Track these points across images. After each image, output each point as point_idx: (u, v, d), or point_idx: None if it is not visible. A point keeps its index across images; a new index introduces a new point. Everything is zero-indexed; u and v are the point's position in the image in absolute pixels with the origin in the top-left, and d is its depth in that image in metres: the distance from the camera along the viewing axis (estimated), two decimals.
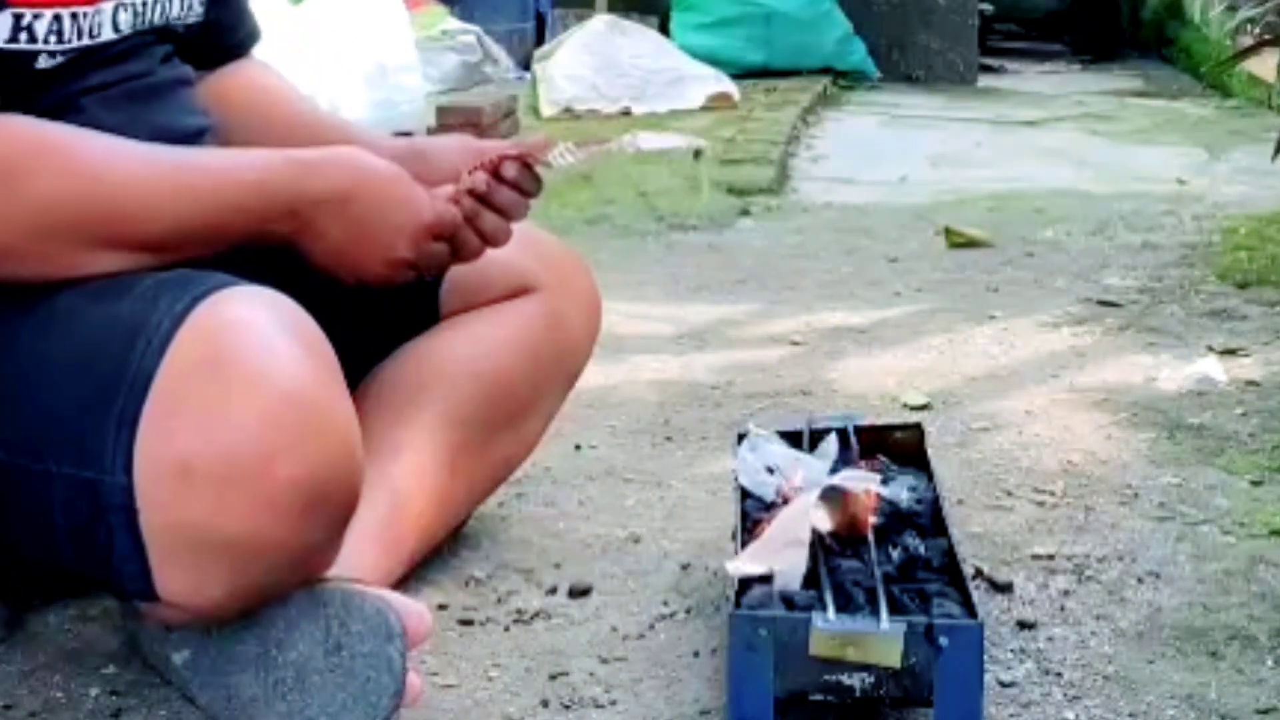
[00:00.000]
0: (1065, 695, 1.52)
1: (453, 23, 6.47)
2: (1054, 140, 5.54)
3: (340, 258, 1.51)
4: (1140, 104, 6.66)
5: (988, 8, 8.19)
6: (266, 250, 1.49)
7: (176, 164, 1.47)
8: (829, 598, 1.42)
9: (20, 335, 1.41)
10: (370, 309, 1.68)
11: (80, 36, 1.46)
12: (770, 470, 1.66)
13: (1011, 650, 1.61)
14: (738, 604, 1.44)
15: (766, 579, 1.48)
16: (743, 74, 6.33)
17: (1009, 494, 2.06)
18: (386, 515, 1.62)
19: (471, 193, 1.58)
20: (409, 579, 1.69)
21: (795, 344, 2.83)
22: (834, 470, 1.62)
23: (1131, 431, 2.31)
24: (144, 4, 1.53)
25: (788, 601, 1.44)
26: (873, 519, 1.57)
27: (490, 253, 1.62)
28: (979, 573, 1.77)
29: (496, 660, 1.60)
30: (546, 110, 5.74)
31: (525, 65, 6.51)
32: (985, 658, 1.42)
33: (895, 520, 1.61)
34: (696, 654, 1.61)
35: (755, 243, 3.78)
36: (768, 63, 6.62)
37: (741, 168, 4.55)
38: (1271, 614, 1.69)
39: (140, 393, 1.33)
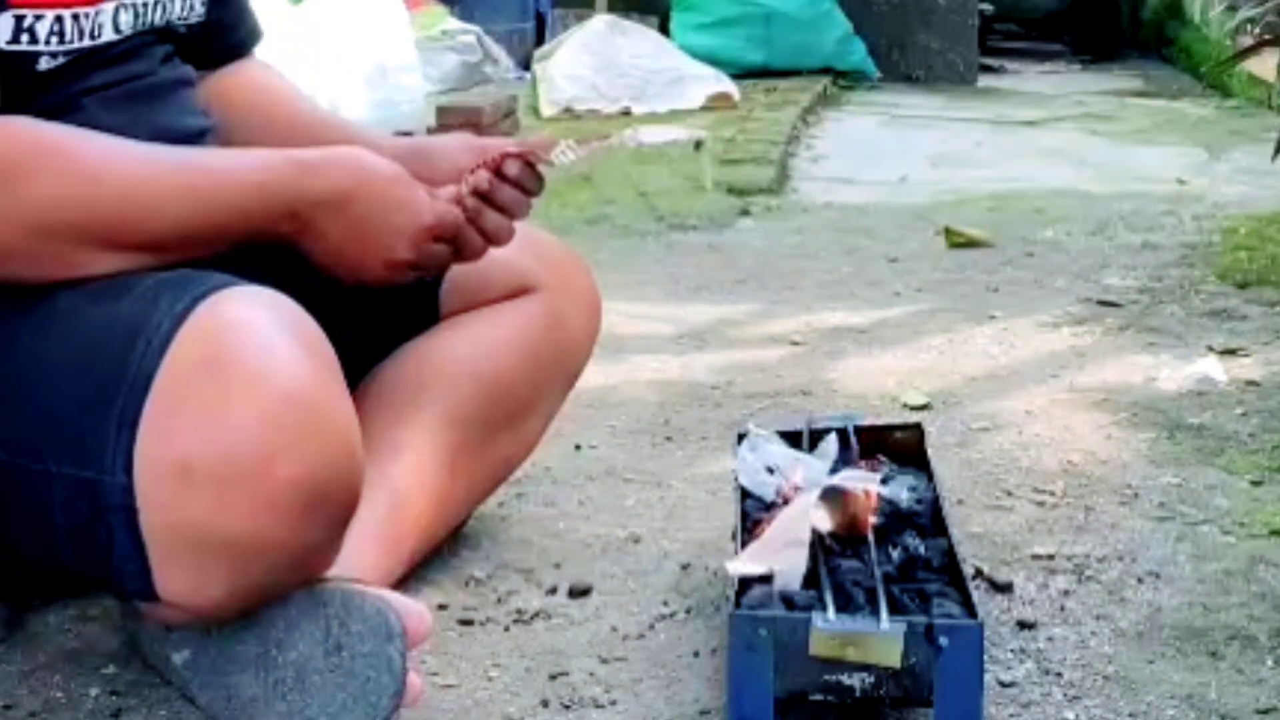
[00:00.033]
0: (1065, 695, 1.53)
1: (453, 23, 6.47)
2: (1054, 140, 5.54)
3: (340, 258, 1.51)
4: (1140, 104, 6.66)
5: (988, 8, 8.19)
6: (266, 250, 1.49)
7: (176, 164, 1.47)
8: (829, 598, 1.42)
9: (20, 335, 1.41)
10: (370, 309, 1.68)
11: (81, 37, 1.46)
12: (770, 470, 1.66)
13: (1011, 650, 1.61)
14: (738, 604, 1.44)
15: (766, 579, 1.48)
16: (743, 74, 6.32)
17: (1009, 494, 2.06)
18: (386, 515, 1.62)
19: (475, 191, 1.58)
20: (409, 579, 1.69)
21: (795, 344, 2.83)
22: (834, 470, 1.62)
23: (1131, 431, 2.31)
24: (145, 4, 1.53)
25: (788, 601, 1.44)
26: (873, 519, 1.57)
27: (490, 253, 1.62)
28: (979, 573, 1.77)
29: (496, 660, 1.60)
30: (546, 110, 5.74)
31: (525, 65, 6.51)
32: (985, 658, 1.42)
33: (895, 520, 1.61)
34: (696, 654, 1.61)
35: (755, 243, 3.78)
36: (768, 63, 6.62)
37: (741, 168, 4.55)
38: (1271, 614, 1.69)
39: (140, 393, 1.33)
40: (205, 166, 1.48)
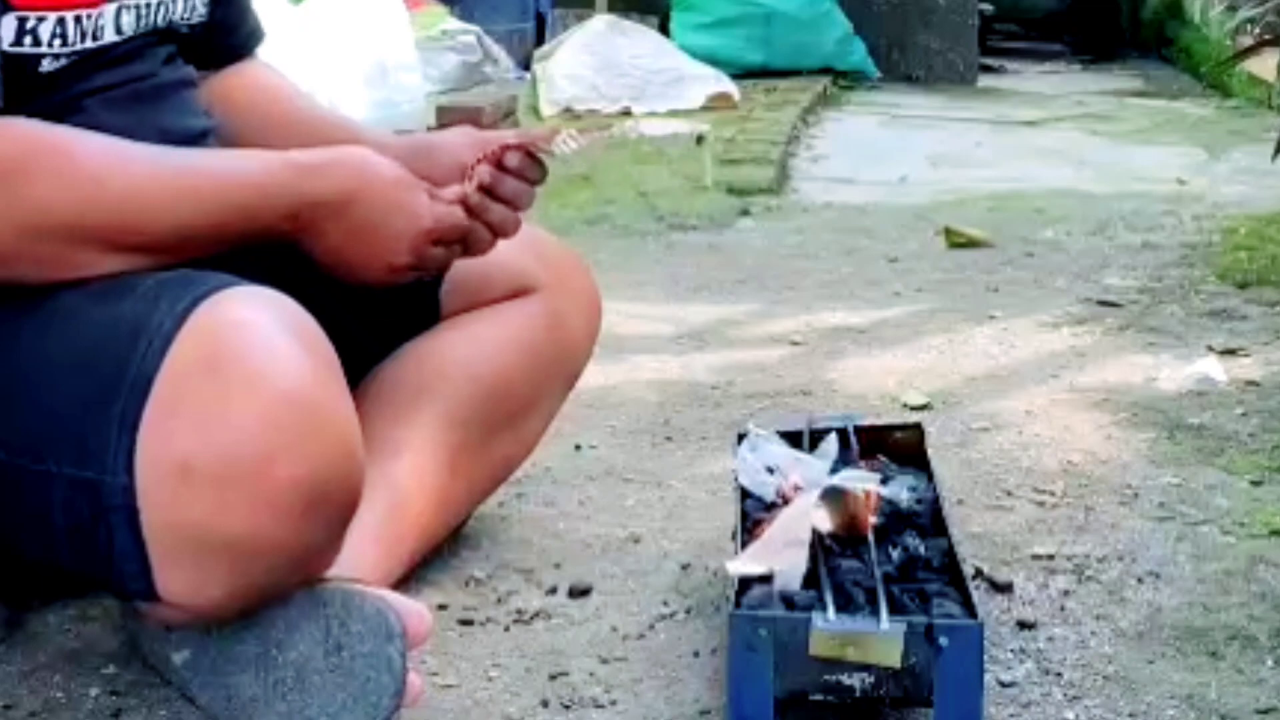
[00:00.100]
0: (1065, 695, 1.53)
1: (453, 23, 6.46)
2: (1054, 140, 5.54)
3: (340, 258, 1.51)
4: (1140, 104, 6.66)
5: (988, 8, 8.19)
6: (267, 250, 1.49)
7: (177, 166, 1.46)
8: (829, 598, 1.42)
9: (22, 335, 1.41)
10: (371, 309, 1.67)
11: (84, 39, 1.46)
12: (770, 470, 1.66)
13: (1011, 650, 1.61)
14: (738, 604, 1.44)
15: (766, 579, 1.48)
16: (743, 74, 6.33)
17: (1009, 494, 2.06)
18: (386, 515, 1.62)
19: (478, 186, 1.58)
20: (409, 579, 1.69)
21: (795, 344, 2.83)
22: (834, 470, 1.62)
23: (1131, 431, 2.31)
24: (147, 5, 1.53)
25: (788, 601, 1.44)
26: (873, 519, 1.57)
27: (491, 253, 1.62)
28: (979, 573, 1.77)
29: (496, 660, 1.60)
30: (546, 110, 5.74)
31: (525, 65, 6.51)
32: (985, 658, 1.42)
33: (895, 520, 1.61)
34: (696, 654, 1.61)
35: (755, 243, 3.78)
36: (768, 63, 6.62)
37: (741, 168, 4.55)
38: (1271, 614, 1.69)
39: (141, 393, 1.33)
40: (206, 168, 1.48)
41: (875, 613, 1.40)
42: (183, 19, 1.60)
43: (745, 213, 4.09)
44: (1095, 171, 4.81)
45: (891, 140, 5.53)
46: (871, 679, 1.38)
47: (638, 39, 6.15)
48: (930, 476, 1.72)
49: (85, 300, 1.40)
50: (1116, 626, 1.67)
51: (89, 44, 1.47)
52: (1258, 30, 4.73)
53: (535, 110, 5.77)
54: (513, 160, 1.60)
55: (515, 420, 1.80)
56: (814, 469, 1.63)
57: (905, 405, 2.43)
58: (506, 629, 1.67)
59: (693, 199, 4.15)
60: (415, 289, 1.68)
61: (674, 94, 5.86)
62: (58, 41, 1.44)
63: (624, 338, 2.75)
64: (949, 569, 1.54)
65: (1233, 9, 5.54)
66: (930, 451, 1.79)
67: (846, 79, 6.83)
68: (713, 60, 6.23)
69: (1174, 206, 4.12)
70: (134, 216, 1.42)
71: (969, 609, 1.43)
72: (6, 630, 1.62)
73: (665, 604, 1.73)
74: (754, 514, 1.63)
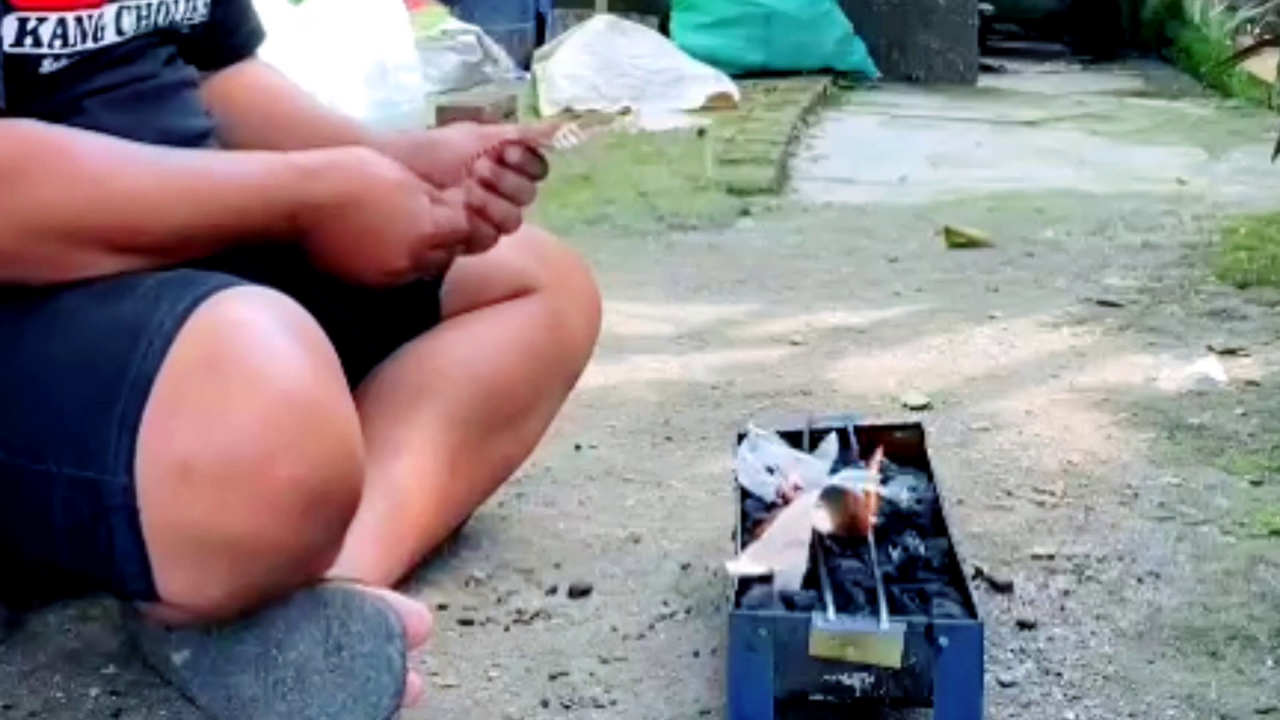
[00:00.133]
0: (1065, 695, 1.53)
1: (453, 23, 6.46)
2: (1054, 140, 5.54)
3: (339, 261, 1.51)
4: (1140, 104, 6.66)
5: (988, 8, 8.19)
6: (267, 250, 1.49)
7: (178, 167, 1.46)
8: (829, 598, 1.42)
9: (22, 336, 1.41)
10: (371, 309, 1.67)
11: (84, 40, 1.46)
12: (770, 470, 1.66)
13: (1011, 650, 1.61)
14: (738, 604, 1.44)
15: (766, 579, 1.48)
16: (743, 74, 6.32)
17: (1009, 494, 2.06)
18: (386, 515, 1.62)
19: (479, 181, 1.59)
20: (409, 579, 1.69)
21: (795, 344, 2.83)
22: (834, 470, 1.62)
23: (1131, 431, 2.31)
24: (148, 6, 1.53)
25: (788, 601, 1.44)
26: (873, 519, 1.57)
27: (491, 253, 1.62)
28: (979, 573, 1.77)
29: (496, 660, 1.60)
30: (546, 110, 5.73)
31: (525, 65, 6.50)
32: (985, 658, 1.42)
33: (895, 520, 1.61)
34: (696, 654, 1.61)
35: (755, 243, 3.78)
36: (767, 63, 6.62)
37: (741, 168, 4.55)
38: (1271, 614, 1.69)
39: (142, 393, 1.33)
40: (206, 170, 1.48)
41: (875, 613, 1.40)
42: (184, 19, 1.60)
43: (745, 213, 4.09)
44: (1095, 171, 4.81)
45: (891, 140, 5.53)
46: (871, 679, 1.38)
47: (638, 39, 6.14)
48: (930, 476, 1.72)
49: (86, 300, 1.40)
50: (1116, 626, 1.67)
51: (90, 45, 1.47)
52: (1258, 30, 4.73)
53: (535, 110, 5.76)
54: (514, 155, 1.60)
55: (515, 420, 1.80)
56: (814, 469, 1.63)
57: (905, 405, 2.43)
58: (506, 629, 1.67)
59: (693, 199, 4.15)
60: (415, 289, 1.68)
61: (674, 94, 5.85)
62: (58, 42, 1.44)
63: (624, 338, 2.75)
64: (949, 569, 1.54)
65: (1233, 9, 5.54)
66: (930, 451, 1.79)
67: (846, 79, 6.83)
68: (713, 60, 6.22)
69: (1174, 206, 4.12)
70: (134, 218, 1.42)
71: (969, 609, 1.43)
72: (6, 630, 1.62)
73: (665, 604, 1.73)
74: (754, 514, 1.63)
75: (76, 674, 1.55)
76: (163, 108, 1.56)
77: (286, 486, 1.30)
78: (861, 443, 1.75)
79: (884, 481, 1.63)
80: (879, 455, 1.69)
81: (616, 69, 5.88)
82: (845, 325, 2.95)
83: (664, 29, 6.72)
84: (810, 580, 1.47)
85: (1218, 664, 1.59)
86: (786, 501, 1.59)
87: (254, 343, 1.33)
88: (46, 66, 1.44)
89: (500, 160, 1.59)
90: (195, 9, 1.62)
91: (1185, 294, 3.15)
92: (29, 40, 1.42)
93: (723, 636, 1.53)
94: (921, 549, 1.57)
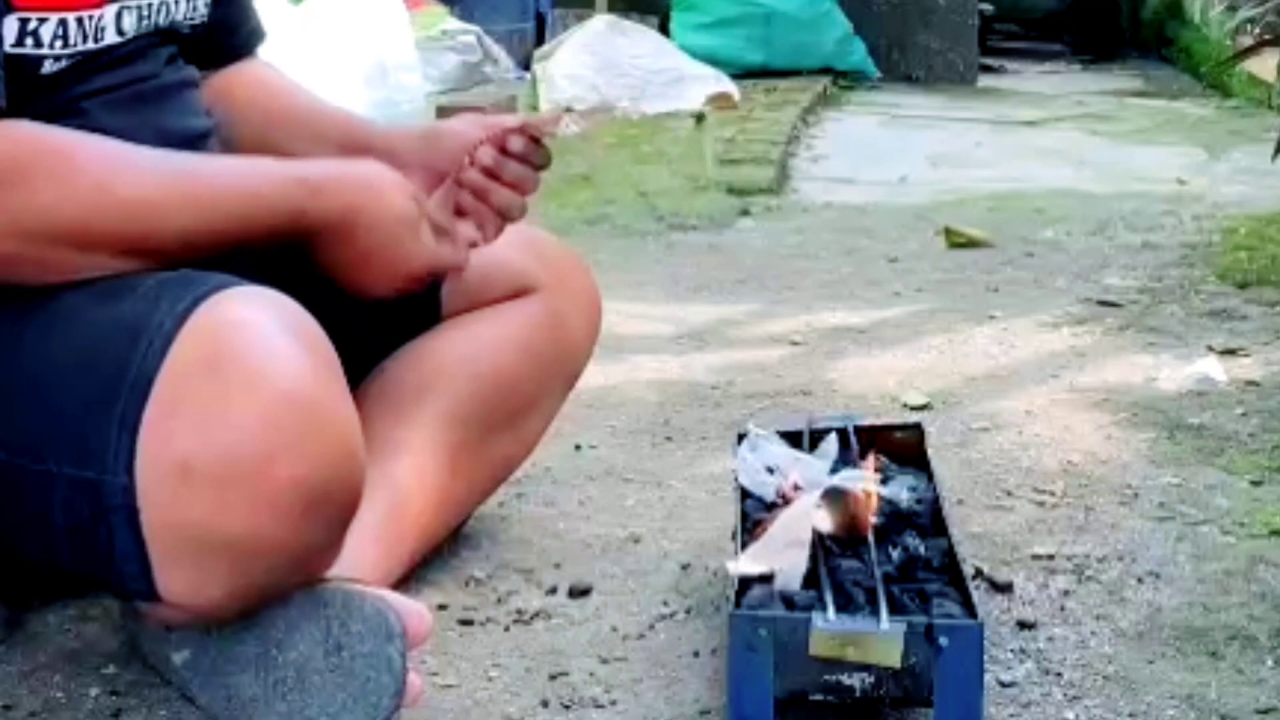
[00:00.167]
0: (1065, 695, 1.53)
1: (453, 23, 6.46)
2: (1054, 140, 5.54)
3: (337, 272, 1.51)
4: (1140, 104, 6.66)
5: (988, 8, 8.19)
6: (267, 250, 1.49)
7: (182, 173, 1.46)
8: (829, 598, 1.42)
9: (23, 336, 1.40)
10: (372, 309, 1.67)
11: (85, 40, 1.46)
12: (770, 470, 1.66)
13: (1011, 650, 1.61)
14: (738, 604, 1.44)
15: (766, 579, 1.48)
16: (743, 74, 6.32)
17: (1009, 494, 2.06)
18: (386, 515, 1.62)
19: (481, 170, 1.59)
20: (409, 579, 1.69)
21: (795, 344, 2.83)
22: (834, 470, 1.62)
23: (1131, 431, 2.31)
24: (148, 6, 1.53)
25: (788, 601, 1.44)
26: (873, 519, 1.57)
27: (491, 253, 1.63)
28: (979, 573, 1.77)
29: (496, 660, 1.60)
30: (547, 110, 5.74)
31: (525, 65, 6.50)
32: (985, 658, 1.42)
33: (895, 520, 1.61)
34: (696, 654, 1.61)
35: (755, 243, 3.78)
36: (768, 63, 6.62)
37: (741, 168, 4.55)
38: (1271, 614, 1.69)
39: (142, 393, 1.33)
40: (211, 176, 1.48)
41: (875, 613, 1.40)
42: (184, 19, 1.60)
43: (745, 213, 4.09)
44: (1095, 171, 4.81)
45: (891, 140, 5.53)
46: (871, 679, 1.38)
47: (638, 39, 6.14)
48: (930, 476, 1.72)
49: (86, 300, 1.40)
50: (1116, 626, 1.67)
51: (90, 45, 1.47)
52: (1258, 30, 4.73)
53: (535, 110, 5.76)
54: (516, 144, 1.60)
55: (515, 420, 1.80)
56: (814, 469, 1.63)
57: (905, 405, 2.43)
58: (506, 629, 1.67)
59: (693, 199, 4.15)
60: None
61: (674, 94, 5.85)
62: (59, 43, 1.44)
63: (624, 338, 2.75)
64: (949, 569, 1.54)
65: (1233, 9, 5.54)
66: (930, 451, 1.79)
67: (846, 79, 6.83)
68: (713, 60, 6.22)
69: (1174, 206, 4.12)
70: (136, 223, 1.42)
71: (969, 609, 1.43)
72: (6, 630, 1.62)
73: (665, 604, 1.73)
74: (754, 514, 1.63)
75: (76, 674, 1.55)
76: (163, 108, 1.56)
77: (287, 486, 1.30)
78: (861, 443, 1.75)
79: (884, 481, 1.63)
80: (871, 456, 1.69)
81: (616, 69, 5.88)
82: (845, 325, 2.95)
83: (664, 29, 6.72)
84: (810, 580, 1.47)
85: (1218, 664, 1.59)
86: (786, 501, 1.59)
87: (254, 343, 1.33)
88: (47, 67, 1.44)
89: (503, 149, 1.60)
90: (196, 9, 1.62)
91: (1185, 294, 3.15)
92: (30, 41, 1.42)
93: (723, 636, 1.53)
94: (921, 549, 1.57)
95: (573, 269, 1.87)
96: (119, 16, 1.49)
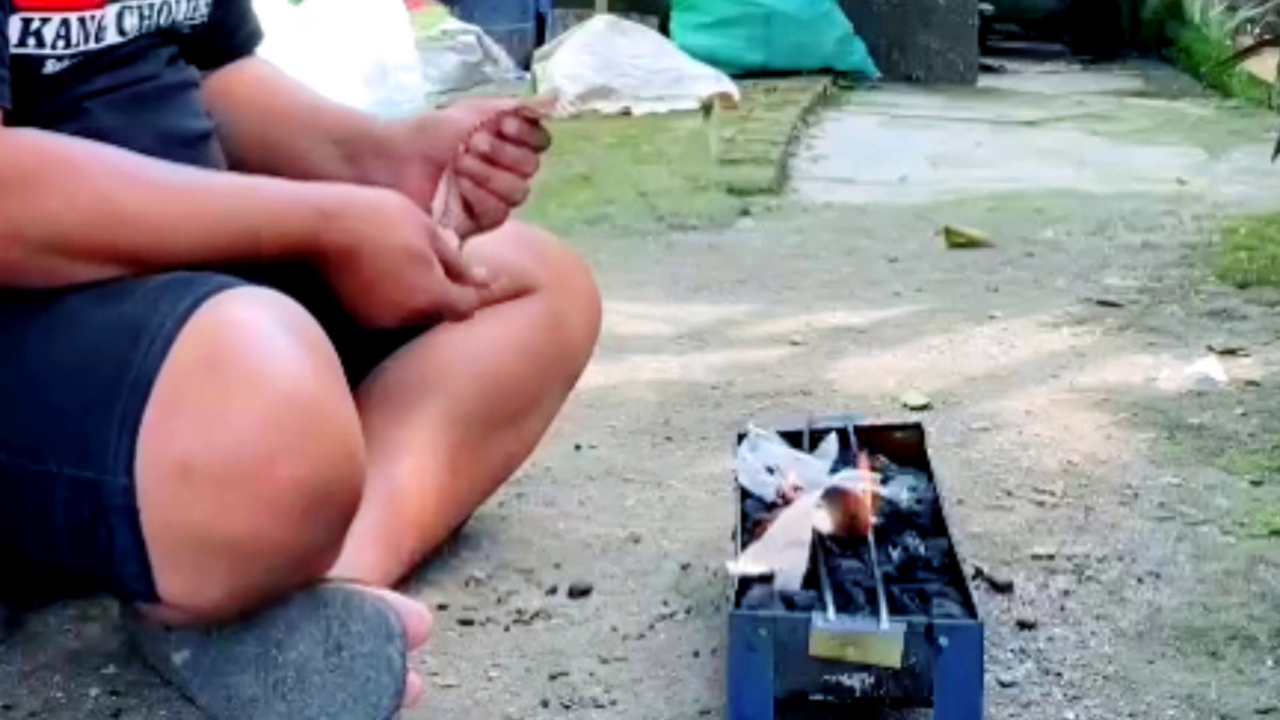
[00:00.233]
0: (1065, 695, 1.53)
1: (453, 23, 6.47)
2: (1054, 140, 5.54)
3: (343, 298, 1.51)
4: (1140, 104, 6.66)
5: (988, 8, 8.19)
6: None
7: (191, 189, 1.45)
8: (829, 598, 1.42)
9: (24, 336, 1.40)
10: None
11: (87, 40, 1.46)
12: (770, 470, 1.66)
13: (1011, 650, 1.61)
14: (738, 604, 1.44)
15: (766, 579, 1.48)
16: (743, 74, 6.32)
17: (1009, 494, 2.06)
18: (386, 515, 1.62)
19: (477, 155, 1.58)
20: (409, 579, 1.69)
21: (795, 344, 2.83)
22: (834, 470, 1.62)
23: (1131, 431, 2.31)
24: (150, 6, 1.53)
25: (788, 601, 1.44)
26: (873, 519, 1.57)
27: (491, 253, 1.62)
28: (979, 573, 1.77)
29: (496, 660, 1.60)
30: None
31: (525, 65, 6.51)
32: (985, 658, 1.42)
33: (895, 520, 1.61)
34: (696, 654, 1.61)
35: (755, 243, 3.78)
36: (767, 63, 6.62)
37: (741, 168, 4.55)
38: (1271, 614, 1.69)
39: (142, 393, 1.33)
40: (220, 195, 1.47)
41: (875, 613, 1.40)
42: (185, 20, 1.60)
43: (745, 213, 4.09)
44: (1095, 171, 4.81)
45: (891, 140, 5.53)
46: (871, 679, 1.38)
47: (638, 39, 6.15)
48: (930, 476, 1.72)
49: (87, 301, 1.40)
50: (1116, 626, 1.67)
51: (92, 45, 1.47)
52: (1258, 30, 4.73)
53: None
54: (511, 127, 1.60)
55: (516, 420, 1.80)
56: (814, 469, 1.63)
57: (905, 405, 2.43)
58: (506, 629, 1.67)
59: (693, 199, 4.15)
60: None
61: (674, 94, 5.86)
62: (61, 43, 1.44)
63: (624, 338, 2.75)
64: (949, 569, 1.54)
65: (1233, 9, 5.54)
66: (930, 451, 1.79)
67: (846, 79, 6.83)
68: (713, 60, 6.23)
69: (1174, 206, 4.12)
70: (144, 236, 1.41)
71: (969, 609, 1.43)
72: (6, 630, 1.62)
73: (665, 604, 1.73)
74: (754, 514, 1.63)
75: (76, 674, 1.55)
76: (164, 108, 1.56)
77: (287, 487, 1.30)
78: (861, 443, 1.75)
79: (884, 481, 1.63)
80: (865, 456, 1.69)
81: (616, 69, 5.88)
82: (845, 325, 2.95)
83: (664, 29, 6.72)
84: (810, 580, 1.47)
85: (1218, 664, 1.59)
86: (786, 501, 1.59)
87: (254, 343, 1.33)
88: (49, 67, 1.44)
89: (499, 133, 1.59)
90: (197, 9, 1.62)
91: (1185, 294, 3.15)
92: (32, 41, 1.42)
93: (723, 636, 1.53)
94: (921, 549, 1.57)
95: (573, 269, 1.87)
96: (120, 17, 1.49)
